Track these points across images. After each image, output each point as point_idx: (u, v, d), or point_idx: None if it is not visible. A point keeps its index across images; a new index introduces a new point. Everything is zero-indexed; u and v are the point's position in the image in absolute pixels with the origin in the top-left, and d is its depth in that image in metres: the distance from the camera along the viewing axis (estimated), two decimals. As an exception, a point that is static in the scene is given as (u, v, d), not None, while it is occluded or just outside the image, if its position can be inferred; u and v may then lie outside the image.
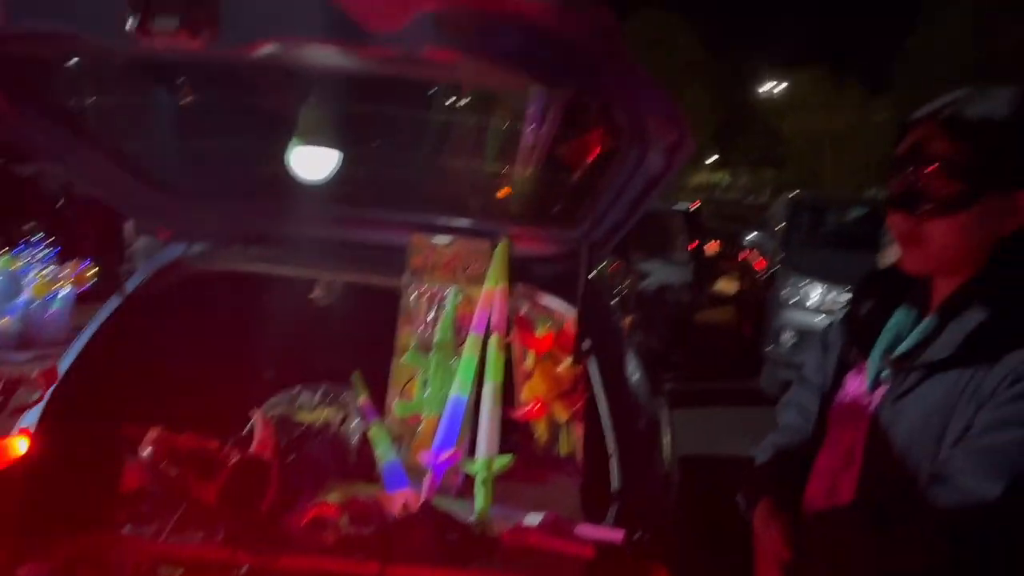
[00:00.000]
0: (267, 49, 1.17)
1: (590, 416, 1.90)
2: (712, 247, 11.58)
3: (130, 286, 2.04)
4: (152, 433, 1.77)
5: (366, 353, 2.06)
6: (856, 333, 1.45)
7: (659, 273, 7.59)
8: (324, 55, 1.22)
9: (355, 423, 1.97)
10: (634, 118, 1.45)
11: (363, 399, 2.02)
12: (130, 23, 1.12)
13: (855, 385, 1.42)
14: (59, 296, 6.99)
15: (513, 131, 1.82)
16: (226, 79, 1.73)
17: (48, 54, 1.40)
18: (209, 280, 2.10)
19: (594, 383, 1.88)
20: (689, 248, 8.93)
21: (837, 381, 1.47)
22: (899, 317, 1.38)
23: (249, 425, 1.89)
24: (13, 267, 6.92)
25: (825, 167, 36.53)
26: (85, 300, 6.90)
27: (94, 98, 1.78)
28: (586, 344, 1.89)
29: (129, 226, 7.58)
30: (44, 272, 6.87)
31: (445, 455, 1.80)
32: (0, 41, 1.20)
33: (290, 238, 2.10)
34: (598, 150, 1.68)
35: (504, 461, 1.75)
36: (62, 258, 7.36)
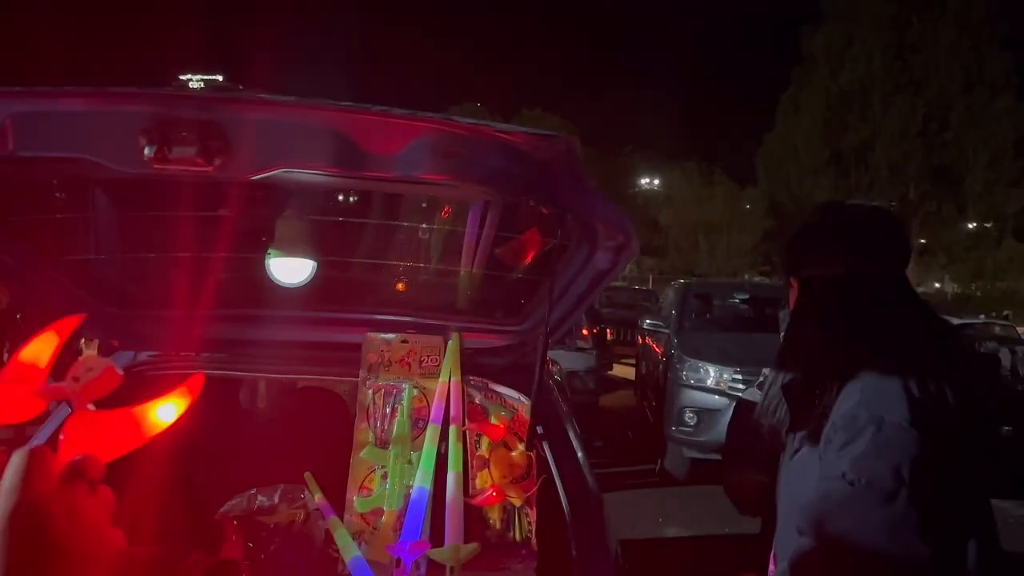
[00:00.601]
0: (273, 173, 1.29)
1: (544, 500, 2.01)
2: (609, 333, 12.01)
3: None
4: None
5: (322, 451, 2.11)
6: None
7: (564, 360, 7.83)
8: (324, 178, 1.35)
9: (317, 522, 2.00)
10: (585, 223, 1.64)
11: (319, 498, 2.05)
12: (147, 151, 1.22)
13: None
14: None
15: (464, 233, 1.98)
16: (179, 194, 1.81)
17: (55, 178, 1.46)
18: (159, 386, 2.10)
19: (548, 467, 2.00)
20: (587, 334, 9.27)
21: None
22: None
23: (213, 528, 1.89)
24: None
25: (701, 254, 38.73)
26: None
27: (50, 213, 1.82)
28: (539, 430, 2.01)
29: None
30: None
31: (413, 545, 1.86)
32: (9, 163, 1.26)
33: (241, 342, 2.15)
34: (547, 250, 1.87)
35: (471, 548, 1.82)
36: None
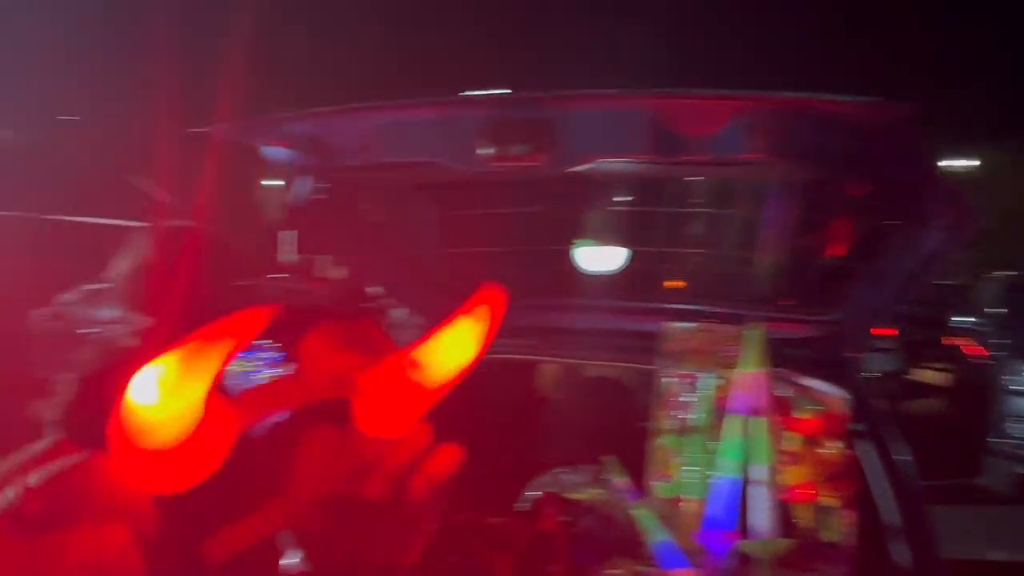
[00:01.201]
0: (592, 165, 1.36)
1: (862, 501, 1.88)
2: (911, 332, 10.85)
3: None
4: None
5: (624, 435, 2.17)
6: None
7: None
8: (637, 166, 1.39)
9: (620, 503, 2.06)
10: (913, 199, 1.51)
11: (623, 481, 2.11)
12: (484, 151, 1.35)
13: None
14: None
15: (769, 216, 1.92)
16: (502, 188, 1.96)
17: (409, 180, 1.67)
18: (477, 367, 2.31)
19: (867, 467, 1.87)
20: (888, 334, 8.45)
21: None
22: None
23: (528, 501, 2.04)
24: (245, 368, 7.70)
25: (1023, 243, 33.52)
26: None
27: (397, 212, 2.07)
28: (857, 426, 1.89)
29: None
30: (270, 372, 7.58)
31: (722, 535, 1.84)
32: (373, 169, 1.46)
33: (549, 328, 2.28)
34: (864, 231, 1.75)
35: (784, 544, 1.77)
36: (287, 359, 8.10)
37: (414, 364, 0.58)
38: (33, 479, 0.42)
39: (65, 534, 0.40)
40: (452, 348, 0.63)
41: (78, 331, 1.58)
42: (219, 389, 0.42)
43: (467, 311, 0.62)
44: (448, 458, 1.68)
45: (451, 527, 1.93)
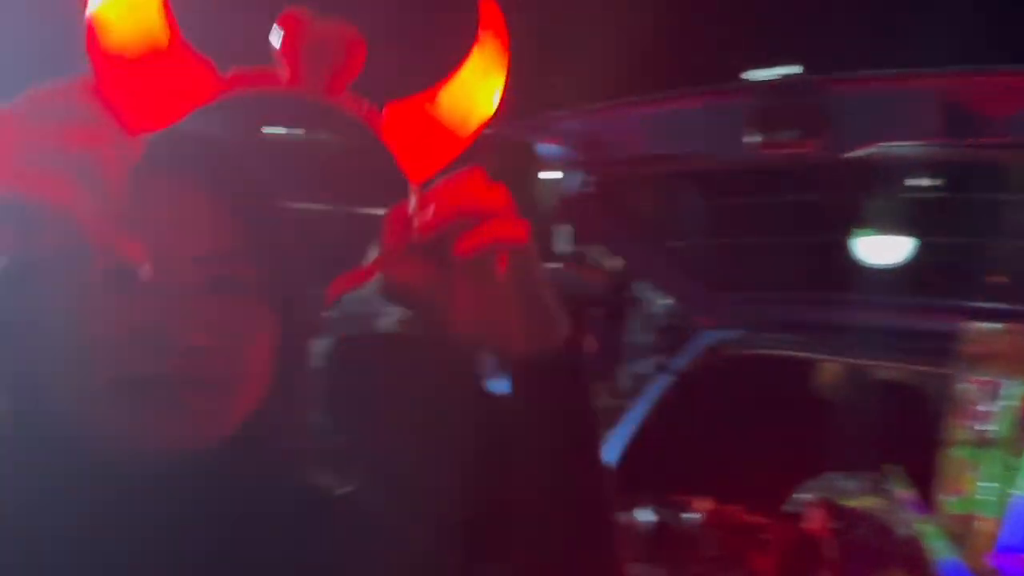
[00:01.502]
0: (873, 149, 1.29)
1: None
2: None
3: (676, 366, 2.31)
4: (706, 502, 1.97)
5: (906, 443, 2.01)
6: None
7: None
8: (924, 150, 1.29)
9: (901, 515, 1.92)
10: None
11: (907, 492, 1.96)
12: (751, 139, 1.34)
13: None
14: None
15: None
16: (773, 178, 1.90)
17: (676, 171, 1.71)
18: (745, 363, 2.27)
19: None
20: None
21: None
22: None
23: (797, 504, 1.98)
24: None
25: None
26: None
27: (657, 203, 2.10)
28: None
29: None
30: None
31: (1021, 560, 1.65)
32: (641, 162, 1.51)
33: (825, 325, 2.17)
34: None
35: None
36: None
37: (433, 100, 0.52)
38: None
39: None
40: (471, 83, 0.53)
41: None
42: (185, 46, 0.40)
43: (476, 43, 0.53)
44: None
45: (713, 522, 1.94)
